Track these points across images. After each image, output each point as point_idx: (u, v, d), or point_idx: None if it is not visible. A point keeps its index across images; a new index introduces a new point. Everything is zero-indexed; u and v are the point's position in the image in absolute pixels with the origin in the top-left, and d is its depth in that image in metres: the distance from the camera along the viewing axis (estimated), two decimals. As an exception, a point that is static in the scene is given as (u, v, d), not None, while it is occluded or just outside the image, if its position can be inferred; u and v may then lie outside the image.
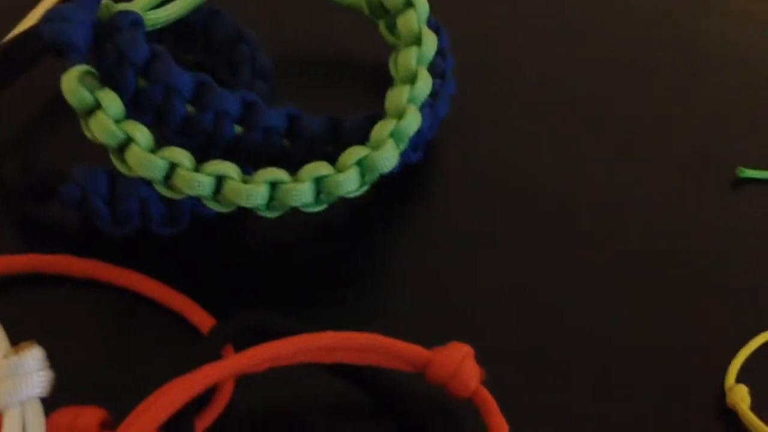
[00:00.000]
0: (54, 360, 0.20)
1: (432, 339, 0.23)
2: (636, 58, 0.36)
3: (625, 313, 0.26)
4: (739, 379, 0.24)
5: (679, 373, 0.24)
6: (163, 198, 0.25)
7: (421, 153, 0.29)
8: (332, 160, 0.25)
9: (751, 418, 0.23)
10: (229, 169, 0.23)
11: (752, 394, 0.24)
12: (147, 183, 0.24)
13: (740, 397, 0.23)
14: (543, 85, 0.34)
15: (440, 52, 0.30)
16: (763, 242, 0.29)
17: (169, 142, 0.24)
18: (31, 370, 0.19)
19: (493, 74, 0.34)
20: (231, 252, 0.27)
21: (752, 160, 0.31)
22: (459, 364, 0.22)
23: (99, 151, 0.25)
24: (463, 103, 0.32)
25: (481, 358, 0.23)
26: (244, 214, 0.25)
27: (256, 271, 0.26)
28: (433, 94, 0.29)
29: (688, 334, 0.26)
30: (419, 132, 0.27)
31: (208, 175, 0.23)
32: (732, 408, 0.23)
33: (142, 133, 0.23)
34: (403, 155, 0.28)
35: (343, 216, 0.28)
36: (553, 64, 0.35)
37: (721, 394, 0.24)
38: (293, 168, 0.25)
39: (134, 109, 0.24)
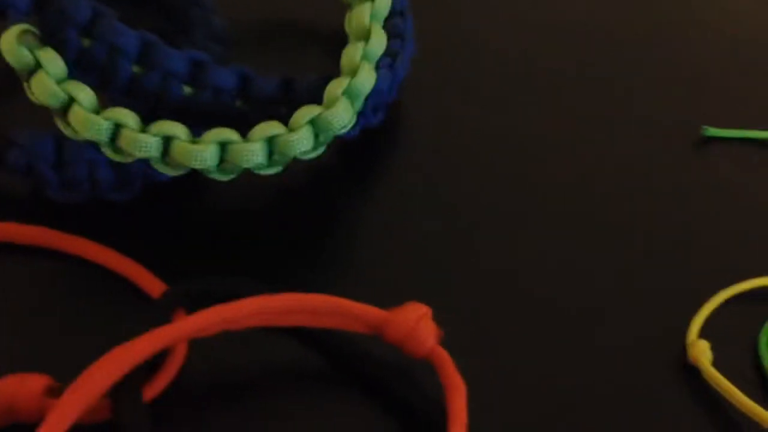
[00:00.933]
0: (-1, 328, 0.20)
1: (393, 302, 0.22)
2: (600, 20, 0.35)
3: (588, 272, 0.26)
4: (702, 336, 0.24)
5: (640, 330, 0.24)
6: (112, 163, 0.24)
7: (382, 115, 0.29)
8: (286, 121, 0.24)
9: (712, 372, 0.23)
10: (176, 129, 0.23)
11: (714, 350, 0.23)
12: (95, 147, 0.23)
13: (701, 351, 0.23)
14: (505, 47, 0.34)
15: (400, 12, 0.30)
16: (727, 200, 0.29)
17: (117, 104, 0.24)
18: (-29, 338, 0.19)
19: (454, 35, 0.34)
20: (186, 218, 0.26)
21: (716, 120, 0.31)
22: (415, 324, 0.21)
23: (46, 116, 0.24)
24: (425, 65, 0.31)
25: (439, 320, 0.22)
26: (198, 178, 0.25)
27: (212, 238, 0.25)
28: (393, 55, 0.28)
29: (651, 291, 0.25)
30: (378, 93, 0.27)
31: (155, 135, 0.22)
32: (693, 363, 0.23)
33: (85, 94, 0.23)
34: (363, 118, 0.27)
35: (304, 180, 0.28)
36: (516, 26, 0.35)
37: (683, 350, 0.24)
38: (246, 129, 0.24)
39: (78, 70, 0.23)
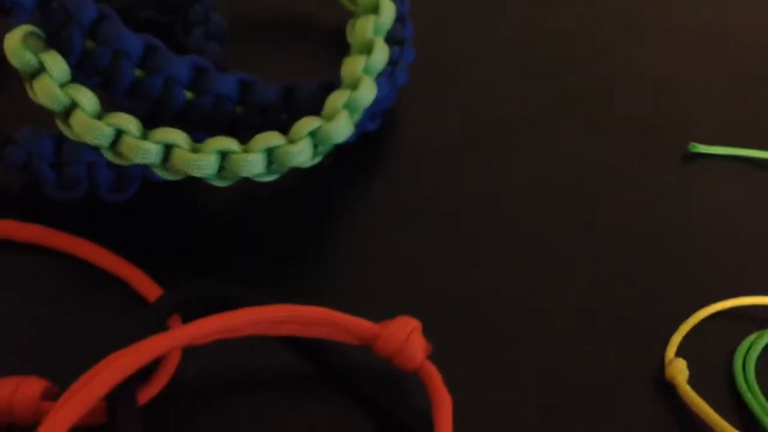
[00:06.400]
0: (-4, 328, 0.20)
1: (385, 313, 0.23)
2: (593, 32, 0.36)
3: (572, 286, 0.26)
4: (679, 354, 0.25)
5: (622, 346, 0.25)
6: (111, 163, 0.24)
7: (379, 121, 0.29)
8: (286, 127, 0.25)
9: (687, 390, 0.24)
10: (177, 137, 0.23)
11: (691, 368, 0.24)
12: (94, 148, 0.24)
13: (678, 370, 0.24)
14: (501, 53, 0.34)
15: (400, 18, 0.30)
16: (710, 218, 0.29)
17: (119, 106, 0.24)
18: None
19: (453, 41, 0.34)
20: (182, 220, 0.26)
21: (703, 135, 0.32)
22: (405, 338, 0.22)
23: (46, 113, 0.24)
24: (423, 71, 0.31)
25: (430, 333, 0.23)
26: (195, 180, 0.25)
27: (208, 240, 0.26)
28: (392, 63, 0.28)
29: (633, 307, 0.26)
30: (376, 101, 0.27)
31: (156, 143, 0.23)
32: (670, 381, 0.24)
33: (87, 98, 0.23)
34: (360, 124, 0.27)
35: (299, 184, 0.28)
36: (511, 32, 0.35)
37: (661, 367, 0.24)
38: (246, 135, 0.24)
39: (81, 72, 0.23)
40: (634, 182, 0.30)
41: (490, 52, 0.34)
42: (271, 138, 0.24)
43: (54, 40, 0.23)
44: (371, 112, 0.28)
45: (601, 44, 0.35)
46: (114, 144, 0.23)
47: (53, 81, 0.22)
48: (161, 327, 0.21)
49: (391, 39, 0.28)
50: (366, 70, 0.25)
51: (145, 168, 0.24)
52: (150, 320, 0.21)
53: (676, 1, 0.38)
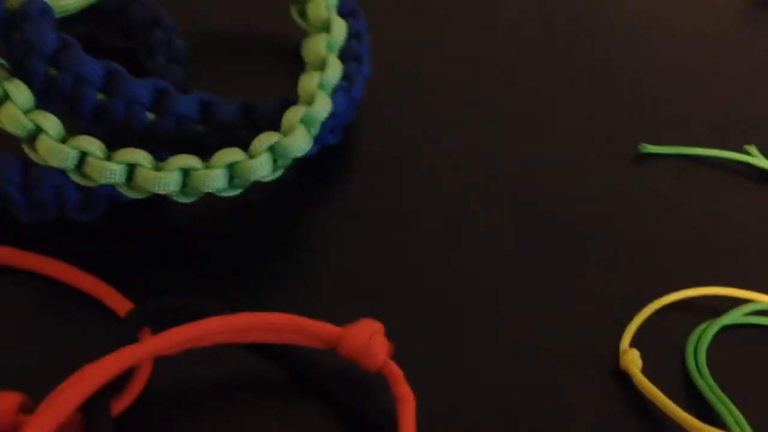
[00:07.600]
0: (-29, 348, 0.21)
1: (349, 317, 0.24)
2: (548, 39, 0.37)
3: (528, 281, 0.27)
4: (633, 344, 0.26)
5: (578, 338, 0.26)
6: (78, 185, 0.25)
7: (339, 135, 0.30)
8: (247, 144, 0.26)
9: (641, 379, 0.25)
10: (140, 156, 0.24)
11: (644, 357, 0.25)
12: (61, 170, 0.24)
13: (631, 360, 0.25)
14: (458, 66, 0.35)
15: (356, 35, 0.31)
16: (660, 214, 0.30)
17: (83, 130, 0.25)
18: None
19: (412, 55, 0.35)
20: (150, 237, 0.27)
21: (655, 136, 0.33)
22: (367, 340, 0.23)
23: (13, 138, 0.25)
24: (382, 84, 0.32)
25: (394, 334, 0.24)
26: (161, 198, 0.26)
27: (175, 255, 0.27)
28: (349, 78, 0.29)
29: (588, 300, 0.27)
30: (335, 115, 0.28)
31: (119, 163, 0.24)
32: (625, 371, 0.25)
33: (51, 123, 0.23)
34: (320, 138, 0.28)
35: (263, 196, 0.29)
36: (468, 44, 0.36)
37: (616, 357, 0.26)
38: (209, 153, 0.25)
39: (45, 98, 0.24)
40: (588, 181, 0.31)
41: (450, 63, 0.35)
42: (232, 154, 0.25)
43: (17, 69, 0.24)
44: (331, 126, 0.29)
45: (556, 50, 0.37)
46: (79, 166, 0.24)
47: (17, 108, 0.23)
48: (132, 339, 0.22)
49: (347, 55, 0.30)
50: (321, 86, 0.26)
51: (112, 188, 0.25)
52: (121, 333, 0.22)
53: (625, 4, 0.40)
